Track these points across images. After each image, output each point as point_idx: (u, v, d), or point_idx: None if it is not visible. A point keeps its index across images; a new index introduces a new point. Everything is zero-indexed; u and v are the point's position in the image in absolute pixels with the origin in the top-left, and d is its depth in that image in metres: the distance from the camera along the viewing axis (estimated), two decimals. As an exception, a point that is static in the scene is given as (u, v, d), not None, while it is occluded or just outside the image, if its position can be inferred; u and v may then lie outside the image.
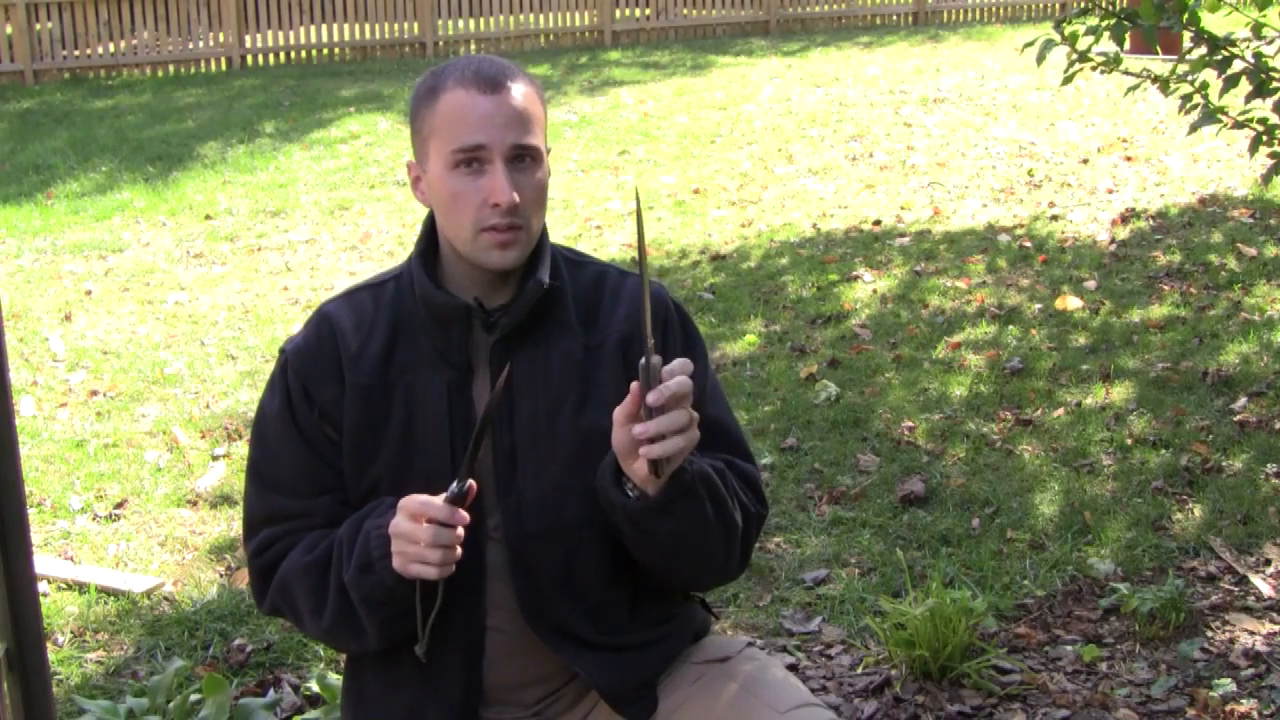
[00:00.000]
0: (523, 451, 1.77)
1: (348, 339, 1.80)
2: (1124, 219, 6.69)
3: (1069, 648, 3.07)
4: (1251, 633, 3.10)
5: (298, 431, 1.79)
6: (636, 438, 1.58)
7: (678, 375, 1.58)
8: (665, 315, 1.86)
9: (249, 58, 13.55)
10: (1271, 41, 4.06)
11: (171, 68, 13.27)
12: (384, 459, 1.78)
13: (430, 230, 1.83)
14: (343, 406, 1.78)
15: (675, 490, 1.64)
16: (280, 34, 13.64)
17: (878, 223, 6.91)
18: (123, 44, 13.25)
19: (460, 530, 1.63)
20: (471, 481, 1.64)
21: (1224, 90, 3.69)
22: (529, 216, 1.74)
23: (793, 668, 3.01)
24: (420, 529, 1.62)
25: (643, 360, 1.58)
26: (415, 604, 1.68)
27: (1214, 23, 4.22)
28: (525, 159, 1.73)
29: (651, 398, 1.56)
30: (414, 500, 1.64)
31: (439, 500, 1.63)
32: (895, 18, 15.76)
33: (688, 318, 1.91)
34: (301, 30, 13.77)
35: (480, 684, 1.80)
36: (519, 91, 1.73)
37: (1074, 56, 3.80)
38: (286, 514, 1.80)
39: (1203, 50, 3.69)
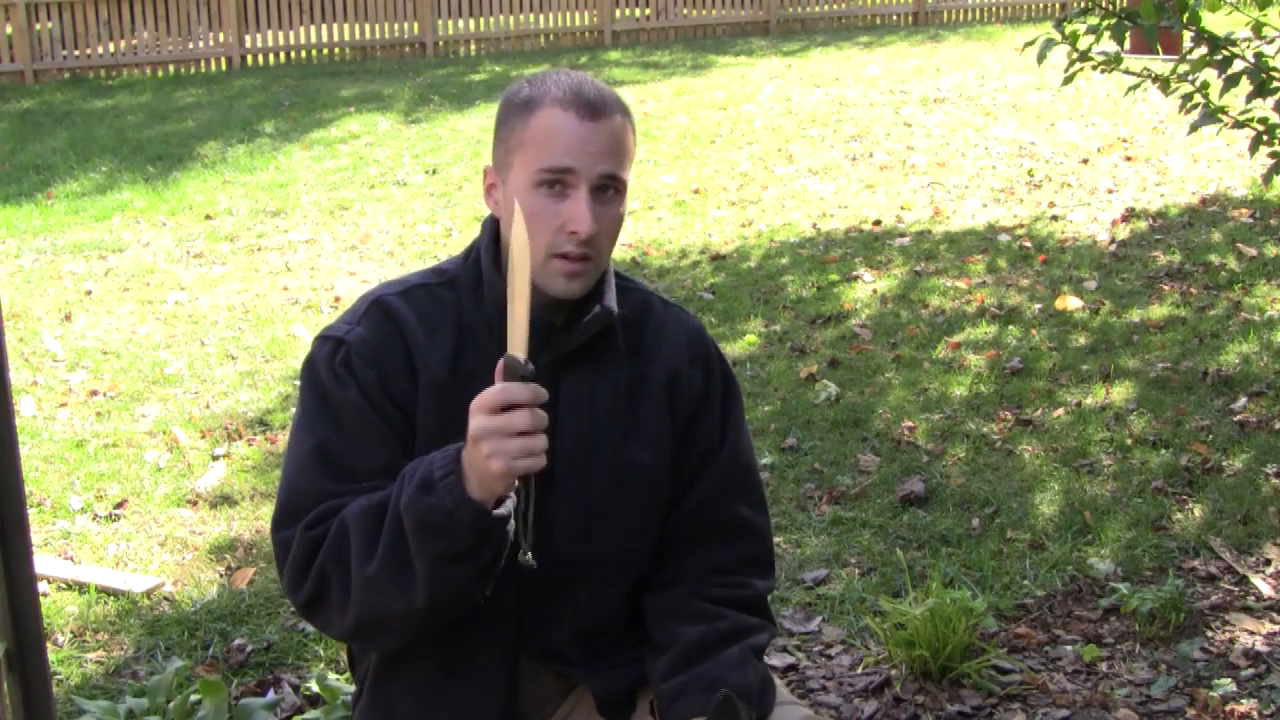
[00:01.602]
0: (560, 477, 1.73)
1: (416, 334, 1.72)
2: (1124, 219, 6.69)
3: (1069, 648, 3.07)
4: (1251, 633, 3.10)
5: (383, 421, 1.69)
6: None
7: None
8: (704, 351, 1.86)
9: (249, 58, 13.55)
10: (1272, 41, 4.06)
11: (171, 68, 13.27)
12: None
13: (496, 237, 1.77)
14: (415, 401, 1.71)
15: None
16: (280, 34, 13.64)
17: (878, 223, 6.90)
18: (123, 44, 13.24)
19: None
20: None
21: (1224, 90, 3.69)
22: (601, 249, 1.69)
23: (793, 668, 3.01)
24: (518, 418, 1.50)
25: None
26: (479, 533, 1.55)
27: (1214, 22, 4.23)
28: (609, 190, 1.68)
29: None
30: (492, 393, 1.51)
31: (517, 386, 1.51)
32: (895, 18, 15.76)
33: (725, 359, 1.90)
34: (301, 30, 13.76)
35: (517, 698, 1.78)
36: (617, 122, 1.68)
37: (1074, 56, 3.80)
38: (353, 492, 1.68)
39: (1203, 50, 3.69)
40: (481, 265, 1.76)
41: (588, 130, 1.65)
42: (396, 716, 1.80)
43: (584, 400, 1.75)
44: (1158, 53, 4.11)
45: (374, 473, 1.67)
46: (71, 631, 3.26)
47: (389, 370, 1.71)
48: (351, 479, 1.68)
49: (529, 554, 1.58)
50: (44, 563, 3.51)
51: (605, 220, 1.68)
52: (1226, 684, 2.86)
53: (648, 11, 15.14)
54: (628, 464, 1.76)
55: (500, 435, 1.50)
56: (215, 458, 4.33)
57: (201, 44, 13.44)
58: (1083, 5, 3.83)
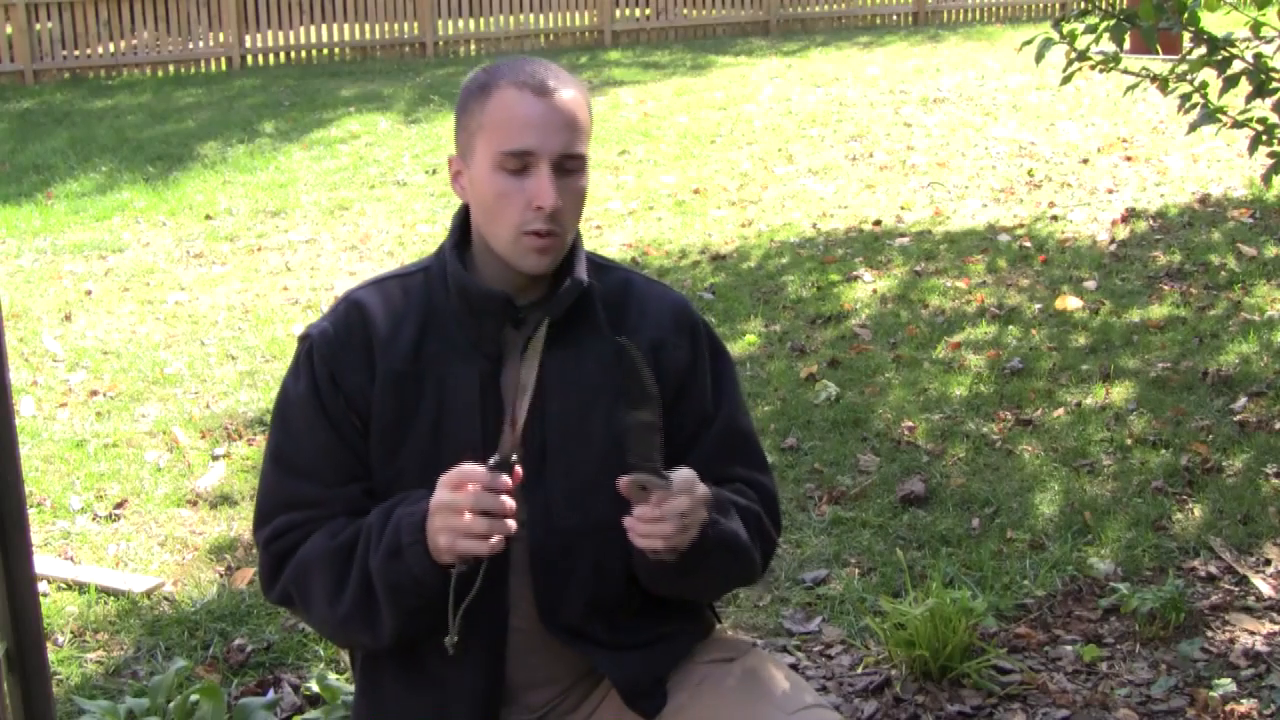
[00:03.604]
0: (553, 449, 1.76)
1: (379, 325, 1.79)
2: (1124, 219, 6.69)
3: (1069, 648, 3.07)
4: (1251, 633, 3.10)
5: (325, 417, 1.77)
6: (630, 532, 1.63)
7: (680, 496, 1.62)
8: (690, 323, 1.87)
9: (249, 58, 13.55)
10: (1270, 41, 4.07)
11: (171, 68, 13.27)
12: (412, 447, 1.76)
13: (463, 224, 1.83)
14: (370, 394, 1.76)
15: (693, 556, 1.68)
16: (280, 34, 13.64)
17: (878, 223, 6.91)
18: (123, 44, 13.24)
19: (508, 500, 1.60)
20: (516, 456, 1.61)
21: (1223, 90, 3.69)
22: (566, 224, 1.74)
23: (793, 668, 3.00)
24: (462, 496, 1.59)
25: (625, 479, 1.62)
26: (448, 590, 1.64)
27: (1213, 22, 4.23)
28: (571, 166, 1.73)
29: (639, 511, 1.62)
30: (454, 470, 1.61)
31: (480, 467, 1.60)
32: (895, 18, 15.76)
33: (713, 331, 1.92)
34: (301, 30, 13.77)
35: (502, 683, 1.79)
36: (571, 97, 1.73)
37: (1073, 56, 3.80)
38: (308, 501, 1.77)
39: (1202, 50, 3.69)
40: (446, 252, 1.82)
41: (543, 107, 1.71)
42: (386, 700, 1.83)
43: (570, 374, 1.78)
44: (1157, 53, 4.11)
45: (317, 469, 1.77)
46: (71, 631, 3.26)
47: (345, 364, 1.78)
48: (301, 475, 1.78)
49: (454, 639, 1.66)
50: (44, 563, 3.51)
51: (568, 194, 1.73)
52: (1226, 684, 2.86)
53: (648, 11, 15.14)
54: (619, 432, 1.76)
55: (448, 510, 1.59)
56: (215, 458, 4.33)
57: (201, 44, 13.44)
58: (1082, 6, 3.84)
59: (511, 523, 1.61)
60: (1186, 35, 3.70)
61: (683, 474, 1.64)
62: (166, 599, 3.43)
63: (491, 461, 1.61)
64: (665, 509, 1.61)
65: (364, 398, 1.77)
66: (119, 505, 3.98)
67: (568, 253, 1.80)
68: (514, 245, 1.73)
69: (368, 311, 1.80)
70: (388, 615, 1.69)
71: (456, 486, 1.60)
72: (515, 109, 1.70)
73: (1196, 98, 3.77)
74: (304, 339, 1.82)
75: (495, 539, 1.59)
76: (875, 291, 5.78)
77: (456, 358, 1.78)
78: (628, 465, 1.63)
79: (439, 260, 1.84)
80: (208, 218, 7.68)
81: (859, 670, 3.01)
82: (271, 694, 2.91)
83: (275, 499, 1.80)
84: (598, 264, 1.88)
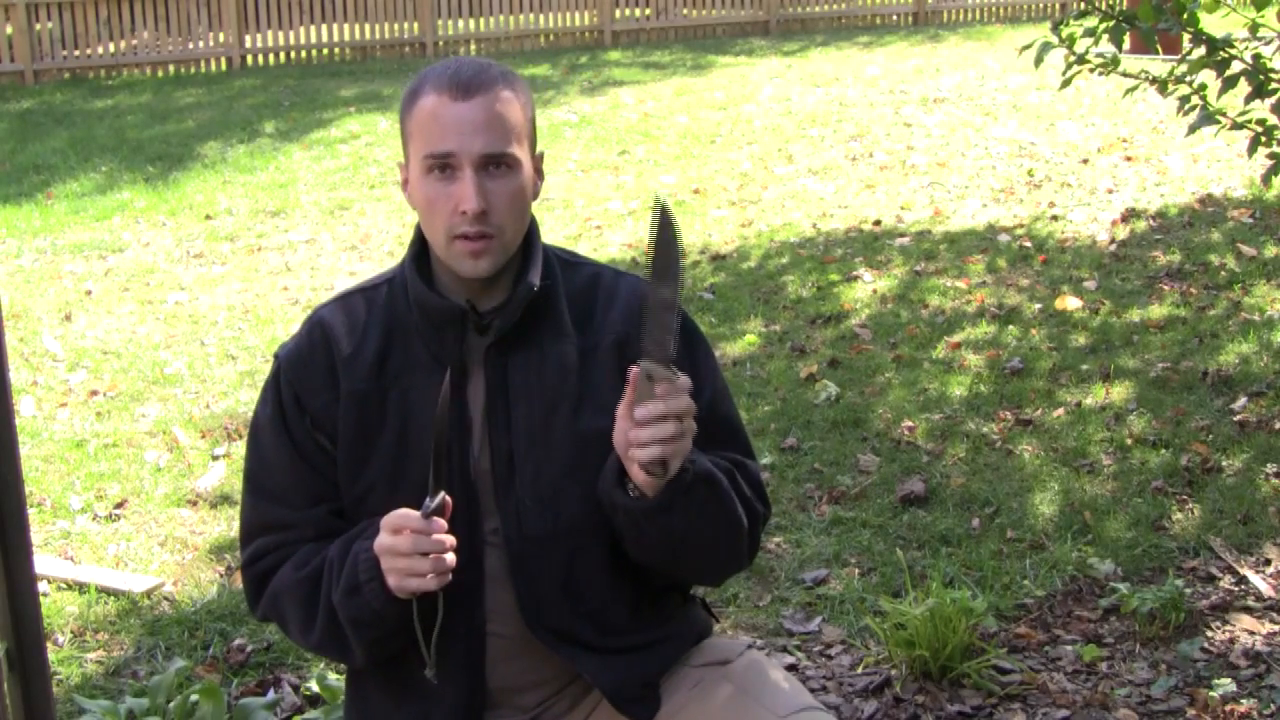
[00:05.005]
0: (520, 455, 1.76)
1: (341, 344, 1.80)
2: (1124, 219, 6.69)
3: (1069, 648, 3.07)
4: (1251, 633, 3.10)
5: (290, 441, 1.79)
6: (629, 442, 1.60)
7: (683, 395, 1.59)
8: None
9: (249, 58, 13.55)
10: (1269, 42, 4.07)
11: (171, 68, 13.27)
12: (378, 465, 1.77)
13: (422, 233, 1.82)
14: (335, 414, 1.78)
15: (675, 490, 1.63)
16: (280, 34, 13.64)
17: (878, 223, 6.91)
18: (123, 44, 13.24)
19: (444, 538, 1.62)
20: (445, 496, 1.64)
21: (1222, 91, 3.69)
22: (502, 226, 1.72)
23: (793, 668, 3.01)
24: (401, 540, 1.62)
25: (635, 368, 1.58)
26: (413, 623, 1.67)
27: (1212, 23, 4.22)
28: (499, 166, 1.72)
29: (640, 413, 1.57)
30: (391, 515, 1.65)
31: (415, 513, 1.63)
32: (895, 18, 15.76)
33: (688, 318, 1.90)
34: (301, 30, 13.77)
35: (484, 689, 1.79)
36: (494, 97, 1.71)
37: (1071, 59, 3.79)
38: (281, 524, 1.80)
39: (1201, 51, 3.69)
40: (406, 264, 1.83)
41: (463, 110, 1.70)
42: (371, 705, 1.85)
43: (532, 378, 1.77)
44: (1157, 54, 4.12)
45: (289, 490, 1.80)
46: (71, 631, 3.26)
47: (309, 385, 1.80)
48: (273, 499, 1.81)
49: (433, 669, 1.69)
50: (44, 563, 3.51)
51: (499, 196, 1.71)
52: (1226, 684, 2.86)
53: (648, 11, 15.14)
54: (585, 433, 1.76)
55: (390, 554, 1.63)
56: (215, 458, 4.33)
57: (201, 44, 13.44)
58: (1081, 7, 3.84)
59: (451, 557, 1.63)
60: (1186, 36, 3.70)
61: (684, 378, 1.60)
62: (166, 599, 3.43)
63: (425, 508, 1.63)
64: (669, 405, 1.57)
65: (330, 418, 1.78)
66: (119, 505, 3.98)
67: (525, 256, 1.79)
68: (448, 250, 1.73)
69: (330, 330, 1.81)
70: (355, 645, 1.73)
71: (395, 531, 1.63)
72: (436, 112, 1.71)
73: (1195, 99, 3.77)
74: (275, 359, 1.85)
75: (437, 576, 1.63)
76: (875, 291, 5.78)
77: (419, 372, 1.78)
78: (640, 350, 1.59)
79: (402, 271, 1.83)
80: (208, 218, 7.68)
81: (859, 670, 3.01)
82: (271, 694, 2.92)
83: (252, 522, 1.83)
84: (566, 261, 1.87)
